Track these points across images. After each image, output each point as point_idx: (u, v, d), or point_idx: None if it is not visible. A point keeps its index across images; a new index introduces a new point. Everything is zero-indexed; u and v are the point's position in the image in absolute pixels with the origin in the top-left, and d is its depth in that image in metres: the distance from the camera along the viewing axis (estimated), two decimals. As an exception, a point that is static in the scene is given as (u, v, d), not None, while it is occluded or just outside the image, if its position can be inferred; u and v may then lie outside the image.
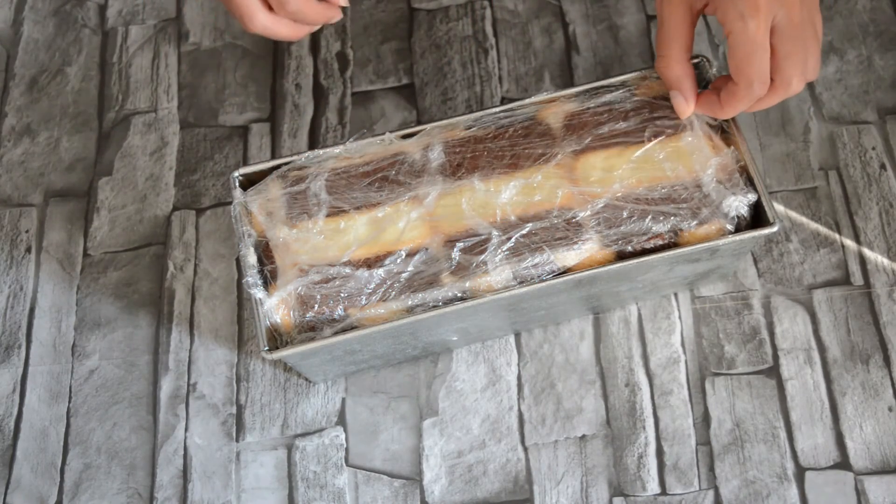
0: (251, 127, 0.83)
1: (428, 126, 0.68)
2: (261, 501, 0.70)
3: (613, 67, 0.83)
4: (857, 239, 0.74)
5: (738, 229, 0.64)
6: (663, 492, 0.68)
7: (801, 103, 0.80)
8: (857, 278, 0.73)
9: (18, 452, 0.72)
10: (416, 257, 0.64)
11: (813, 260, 0.74)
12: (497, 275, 0.63)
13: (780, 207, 0.76)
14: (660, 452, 0.69)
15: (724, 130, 0.66)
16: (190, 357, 0.75)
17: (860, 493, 0.67)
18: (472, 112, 0.69)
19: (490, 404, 0.71)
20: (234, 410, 0.73)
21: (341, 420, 0.72)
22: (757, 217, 0.65)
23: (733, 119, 0.66)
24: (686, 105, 0.64)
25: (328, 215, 0.65)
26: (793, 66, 0.59)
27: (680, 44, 0.62)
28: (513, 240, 0.63)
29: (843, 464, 0.68)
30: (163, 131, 0.84)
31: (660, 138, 0.66)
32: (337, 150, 0.68)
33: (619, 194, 0.65)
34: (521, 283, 0.63)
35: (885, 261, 0.73)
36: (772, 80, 0.60)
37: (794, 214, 0.75)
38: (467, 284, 0.63)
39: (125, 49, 0.88)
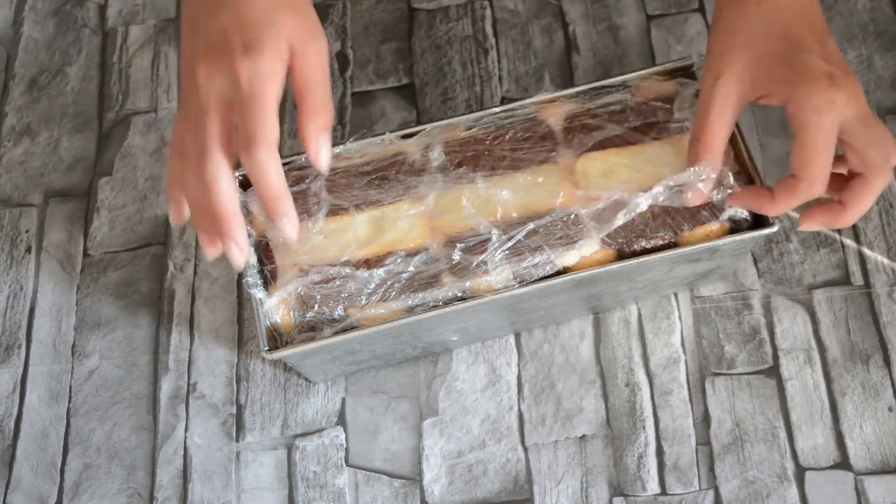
0: (251, 127, 0.83)
1: (428, 126, 0.68)
2: (261, 501, 0.70)
3: (613, 67, 0.83)
4: (857, 239, 0.74)
5: (738, 229, 0.64)
6: (663, 492, 0.68)
7: (801, 103, 0.80)
8: (857, 278, 0.73)
9: (18, 452, 0.72)
10: (417, 257, 0.64)
11: (813, 260, 0.74)
12: (497, 275, 0.63)
13: (780, 207, 0.76)
14: (660, 452, 0.69)
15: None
16: (190, 357, 0.75)
17: (860, 493, 0.67)
18: (472, 112, 0.69)
19: (490, 404, 0.71)
20: (234, 410, 0.73)
21: (341, 420, 0.72)
22: (757, 217, 0.65)
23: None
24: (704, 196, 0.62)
25: (328, 215, 0.65)
26: (880, 152, 0.58)
27: (725, 136, 0.61)
28: (513, 239, 0.63)
29: (843, 464, 0.68)
30: (163, 131, 0.84)
31: (660, 138, 0.66)
32: (337, 150, 0.68)
33: (620, 194, 0.65)
34: (521, 282, 0.63)
35: (885, 261, 0.73)
36: (859, 174, 0.59)
37: (794, 214, 0.75)
38: (467, 284, 0.63)
39: (125, 49, 0.88)
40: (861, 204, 0.59)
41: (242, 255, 0.56)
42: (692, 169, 0.62)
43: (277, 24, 0.55)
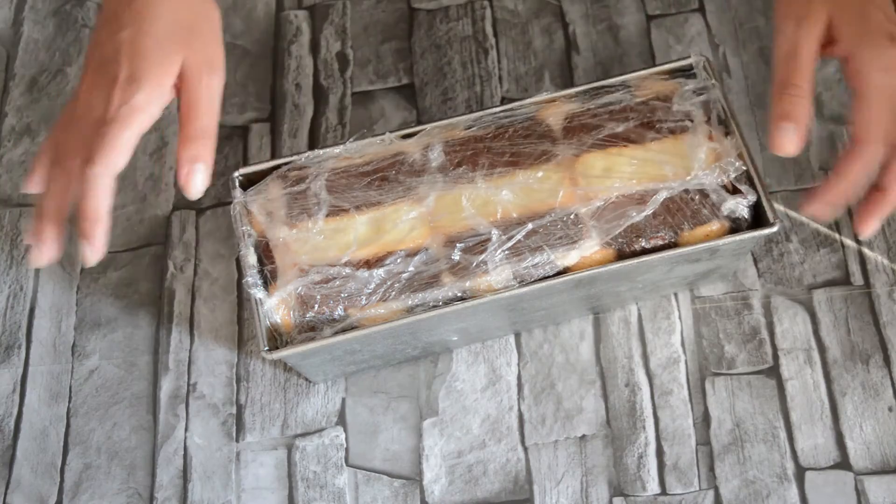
0: (251, 127, 0.83)
1: (428, 126, 0.68)
2: (261, 501, 0.70)
3: (613, 67, 0.83)
4: (857, 239, 0.74)
5: (738, 229, 0.64)
6: (663, 492, 0.68)
7: (801, 103, 0.79)
8: (857, 278, 0.73)
9: (18, 452, 0.72)
10: (417, 257, 0.64)
11: (813, 260, 0.74)
12: (497, 275, 0.63)
13: (780, 207, 0.76)
14: (660, 452, 0.69)
15: (725, 129, 0.66)
16: (190, 357, 0.75)
17: (860, 493, 0.67)
18: (472, 112, 0.69)
19: (490, 404, 0.71)
20: (234, 410, 0.73)
21: (341, 420, 0.72)
22: (757, 217, 0.65)
23: (734, 119, 0.66)
24: (798, 142, 0.57)
25: (328, 215, 0.66)
26: None
27: (812, 75, 0.57)
28: (513, 239, 0.63)
29: (843, 464, 0.68)
30: (163, 131, 0.84)
31: (660, 138, 0.66)
32: (337, 150, 0.68)
33: (619, 194, 0.65)
34: (521, 283, 0.63)
35: (885, 261, 0.73)
36: None
37: (794, 214, 0.75)
38: (467, 284, 0.63)
39: (125, 49, 0.88)
40: (853, 172, 0.56)
41: (95, 255, 0.59)
42: (719, 164, 0.63)
43: (169, 54, 0.58)
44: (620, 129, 0.66)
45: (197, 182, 0.58)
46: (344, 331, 0.63)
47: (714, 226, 0.64)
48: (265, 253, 0.65)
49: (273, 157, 0.79)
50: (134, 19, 0.59)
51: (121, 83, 0.57)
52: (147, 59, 0.57)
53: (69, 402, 0.74)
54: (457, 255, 0.64)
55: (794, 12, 0.58)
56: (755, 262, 0.74)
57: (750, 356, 0.71)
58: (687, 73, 0.69)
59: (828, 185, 0.57)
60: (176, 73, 0.58)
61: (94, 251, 0.58)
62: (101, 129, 0.56)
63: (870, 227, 0.58)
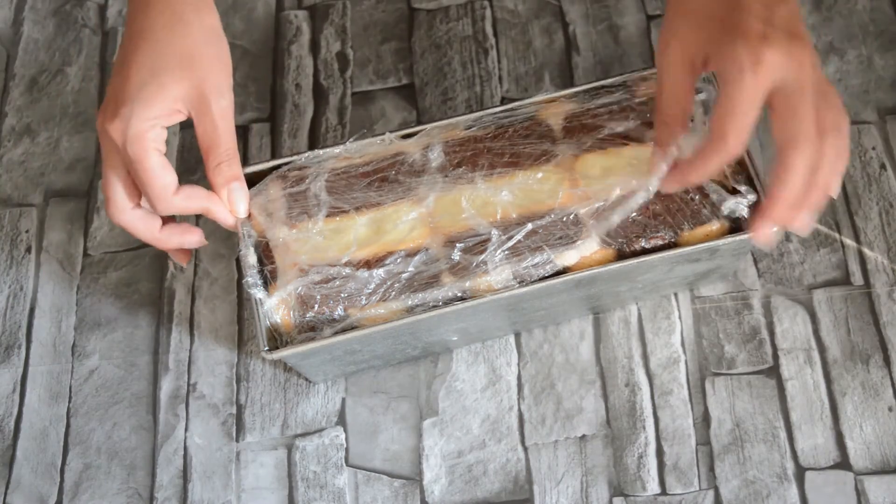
0: (251, 127, 0.83)
1: (428, 126, 0.68)
2: (261, 501, 0.70)
3: (613, 67, 0.83)
4: (857, 239, 0.74)
5: (738, 229, 0.64)
6: (663, 492, 0.68)
7: (801, 103, 0.79)
8: (857, 278, 0.73)
9: (18, 452, 0.72)
10: (417, 257, 0.64)
11: (813, 260, 0.74)
12: (497, 275, 0.63)
13: (780, 207, 0.75)
14: (660, 452, 0.69)
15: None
16: (190, 357, 0.75)
17: (860, 493, 0.67)
18: (472, 112, 0.69)
19: (490, 404, 0.71)
20: (234, 410, 0.73)
21: (341, 420, 0.72)
22: (757, 217, 0.65)
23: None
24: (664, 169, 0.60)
25: (328, 215, 0.66)
26: (798, 124, 0.53)
27: (682, 107, 0.59)
28: (513, 239, 0.63)
29: (843, 464, 0.68)
30: (163, 131, 0.84)
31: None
32: (337, 150, 0.68)
33: (619, 194, 0.64)
34: (520, 283, 0.63)
35: (885, 261, 0.73)
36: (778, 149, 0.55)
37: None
38: (467, 284, 0.63)
39: (125, 49, 0.88)
40: (706, 165, 0.56)
41: (182, 259, 0.67)
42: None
43: (164, 86, 0.60)
44: (620, 129, 0.66)
45: (239, 201, 0.64)
46: (344, 331, 0.63)
47: (714, 226, 0.64)
48: (265, 253, 0.65)
49: (273, 157, 0.79)
50: (129, 56, 0.62)
51: (112, 119, 0.59)
52: (138, 93, 0.60)
53: (69, 402, 0.74)
54: (457, 255, 0.64)
55: (661, 39, 0.58)
56: (755, 262, 0.74)
57: (750, 356, 0.71)
58: (687, 73, 0.69)
59: (683, 172, 0.59)
60: (182, 103, 0.61)
61: (197, 240, 0.66)
62: (132, 172, 0.60)
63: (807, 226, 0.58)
